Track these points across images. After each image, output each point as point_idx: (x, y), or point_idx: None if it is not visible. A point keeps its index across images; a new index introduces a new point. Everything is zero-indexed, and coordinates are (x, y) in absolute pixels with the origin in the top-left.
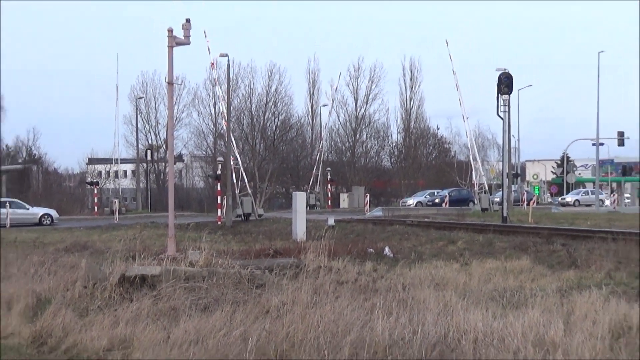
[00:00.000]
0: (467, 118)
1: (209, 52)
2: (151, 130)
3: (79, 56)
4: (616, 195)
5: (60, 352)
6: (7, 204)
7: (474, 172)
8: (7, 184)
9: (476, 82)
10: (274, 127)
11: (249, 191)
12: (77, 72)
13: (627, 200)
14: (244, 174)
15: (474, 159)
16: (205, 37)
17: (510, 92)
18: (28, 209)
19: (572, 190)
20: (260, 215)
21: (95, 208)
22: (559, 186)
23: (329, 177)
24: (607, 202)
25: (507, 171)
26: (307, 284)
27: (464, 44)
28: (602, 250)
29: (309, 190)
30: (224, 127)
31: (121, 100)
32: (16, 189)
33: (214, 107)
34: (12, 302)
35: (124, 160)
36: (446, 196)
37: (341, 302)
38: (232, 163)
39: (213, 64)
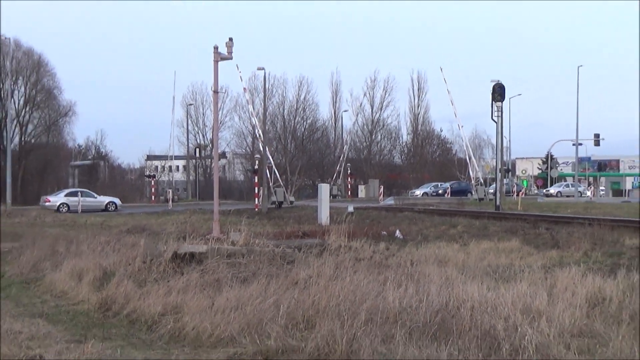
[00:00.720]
0: (462, 127)
1: (241, 80)
2: (199, 131)
3: (140, 69)
4: (593, 187)
5: (122, 316)
6: (79, 193)
7: (470, 169)
8: (79, 177)
9: (474, 90)
10: (302, 129)
11: (281, 183)
12: (138, 82)
13: (602, 192)
14: (275, 169)
15: (469, 158)
16: (238, 69)
17: (503, 100)
18: (96, 197)
19: (555, 183)
20: (291, 202)
21: (153, 197)
22: (544, 180)
23: (349, 171)
24: (589, 193)
25: (499, 167)
26: (330, 261)
27: (464, 59)
28: (580, 234)
29: (332, 183)
30: (259, 130)
31: (175, 107)
32: (86, 181)
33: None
34: (82, 275)
35: (177, 157)
36: (448, 188)
37: (358, 275)
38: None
39: (245, 89)
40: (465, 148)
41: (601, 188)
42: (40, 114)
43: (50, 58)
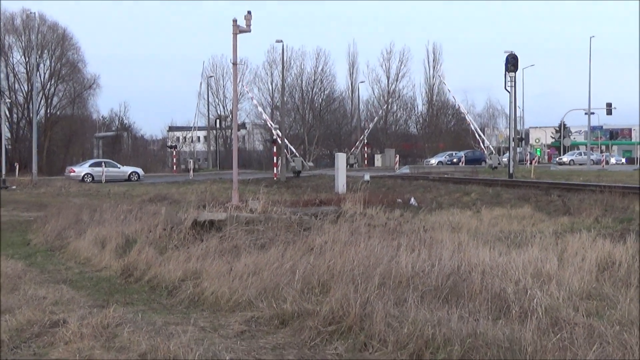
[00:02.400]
0: (468, 113)
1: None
2: (220, 103)
3: (162, 43)
4: (604, 156)
5: (144, 282)
6: (103, 164)
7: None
8: (103, 148)
9: (488, 60)
10: (320, 100)
11: (295, 153)
12: (160, 55)
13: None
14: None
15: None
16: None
17: (516, 70)
18: (119, 167)
19: (568, 151)
20: (310, 167)
21: (174, 167)
22: (557, 149)
23: (365, 140)
24: (613, 160)
25: (513, 136)
26: (345, 227)
27: (478, 30)
28: (591, 200)
29: (349, 153)
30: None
31: (196, 78)
32: (110, 151)
33: (271, 84)
34: (105, 242)
35: (198, 128)
36: (462, 156)
37: (373, 241)
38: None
39: None
40: (474, 131)
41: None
42: (65, 87)
43: (74, 32)
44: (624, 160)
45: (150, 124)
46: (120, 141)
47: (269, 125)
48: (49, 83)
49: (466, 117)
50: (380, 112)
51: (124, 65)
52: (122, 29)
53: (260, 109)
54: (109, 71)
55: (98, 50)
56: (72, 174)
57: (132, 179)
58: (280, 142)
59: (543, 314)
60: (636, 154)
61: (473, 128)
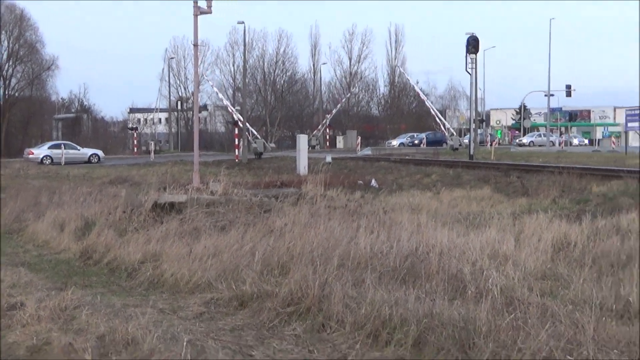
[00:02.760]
0: (428, 95)
1: None
2: (181, 85)
3: (122, 23)
4: (564, 137)
5: (103, 264)
6: (62, 146)
7: (440, 124)
8: (62, 129)
9: (450, 42)
10: (282, 82)
11: (257, 135)
12: (121, 37)
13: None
14: (249, 126)
15: (439, 119)
16: None
17: (477, 52)
18: (79, 149)
19: (528, 133)
20: (272, 149)
21: (135, 149)
22: (517, 130)
23: (327, 122)
24: (576, 141)
25: (474, 117)
26: (305, 209)
27: (440, 12)
28: (549, 182)
29: (311, 134)
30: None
31: (157, 60)
32: (70, 133)
33: (233, 66)
34: (64, 224)
35: (160, 110)
36: (424, 138)
37: (333, 223)
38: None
39: None
40: (434, 114)
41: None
42: (24, 68)
43: (32, 13)
44: (586, 141)
45: (110, 106)
46: (80, 123)
47: (230, 107)
48: (7, 64)
49: (426, 102)
50: (343, 100)
51: (83, 46)
52: (81, 9)
53: (220, 95)
54: (68, 52)
55: (57, 31)
56: (30, 156)
57: (92, 161)
58: (241, 124)
59: (498, 294)
60: (595, 135)
61: (434, 113)
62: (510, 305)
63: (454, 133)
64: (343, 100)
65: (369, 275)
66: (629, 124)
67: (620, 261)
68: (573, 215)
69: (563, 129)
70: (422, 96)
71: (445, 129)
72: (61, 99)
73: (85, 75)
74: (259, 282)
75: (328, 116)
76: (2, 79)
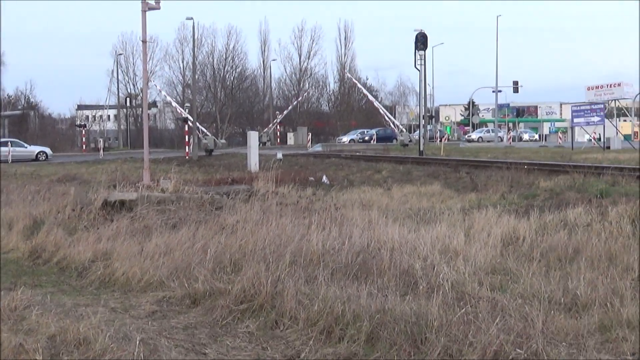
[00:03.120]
0: (378, 91)
1: None
2: (130, 81)
3: (69, 18)
4: (512, 133)
5: (53, 263)
6: (9, 143)
7: (390, 121)
8: (9, 127)
9: (398, 39)
10: (232, 79)
11: (207, 133)
12: (68, 32)
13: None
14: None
15: (389, 117)
16: None
17: (426, 49)
18: (26, 147)
19: (476, 129)
20: (223, 144)
21: (84, 146)
22: (466, 126)
23: (278, 121)
24: (527, 136)
25: (423, 114)
26: (257, 206)
27: (388, 8)
28: (498, 177)
29: (262, 131)
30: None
31: (104, 56)
32: (16, 131)
33: (182, 62)
34: (12, 223)
35: (109, 107)
36: (374, 134)
37: (284, 220)
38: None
39: None
40: (382, 113)
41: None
42: None
43: None
44: (537, 136)
45: (58, 103)
46: (26, 120)
47: (179, 108)
48: None
49: (375, 103)
50: (295, 102)
51: (30, 42)
52: (27, 4)
53: (168, 98)
54: (13, 48)
55: (2, 26)
56: None
57: (40, 158)
58: (191, 122)
59: (449, 289)
60: (542, 130)
61: (382, 112)
62: (461, 300)
63: (404, 130)
64: (295, 102)
65: (322, 271)
66: (575, 120)
67: (567, 255)
68: (521, 210)
69: (511, 124)
70: (371, 97)
71: (394, 126)
72: (7, 95)
73: (31, 72)
74: (212, 279)
75: (279, 115)
76: None
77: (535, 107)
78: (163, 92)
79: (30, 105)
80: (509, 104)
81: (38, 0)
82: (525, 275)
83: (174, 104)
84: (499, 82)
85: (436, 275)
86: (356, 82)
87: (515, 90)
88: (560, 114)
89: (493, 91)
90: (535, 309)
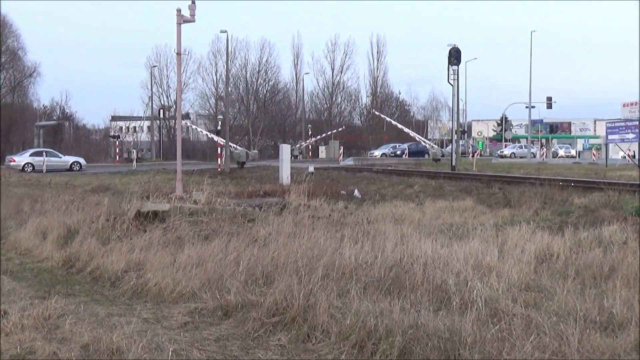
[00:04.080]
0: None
1: None
2: (163, 93)
3: (105, 31)
4: (545, 149)
5: (86, 273)
6: (44, 153)
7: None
8: (44, 137)
9: (432, 53)
10: (264, 91)
11: (236, 147)
12: (103, 44)
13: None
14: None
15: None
16: None
17: (459, 63)
18: (61, 157)
19: (509, 144)
20: (254, 155)
21: (117, 157)
22: (498, 141)
23: (310, 132)
24: (562, 152)
25: (455, 129)
26: (289, 219)
27: (422, 23)
28: (531, 193)
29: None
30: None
31: (139, 68)
32: (51, 141)
33: (216, 74)
34: (46, 233)
35: (142, 118)
36: (406, 149)
37: (316, 233)
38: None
39: None
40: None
41: (553, 150)
42: (5, 75)
43: (14, 19)
44: (573, 151)
45: (92, 113)
46: (61, 130)
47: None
48: None
49: (404, 130)
50: (340, 129)
51: (65, 53)
52: (64, 16)
53: (199, 129)
54: (50, 59)
55: (39, 37)
56: (12, 163)
57: (74, 168)
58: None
59: (483, 305)
60: (575, 147)
61: (412, 135)
62: (494, 316)
63: (434, 145)
64: (340, 129)
65: (354, 285)
66: (610, 137)
67: (603, 273)
68: (555, 226)
69: (544, 140)
70: (400, 126)
71: (425, 140)
72: (43, 106)
73: (67, 82)
74: (244, 291)
75: (318, 137)
76: None
77: (569, 124)
78: (193, 125)
79: (65, 116)
80: (542, 120)
81: (74, 13)
82: (560, 293)
83: (205, 132)
84: (532, 98)
85: (469, 291)
86: (384, 117)
87: (549, 106)
88: (594, 130)
89: (526, 107)
90: (570, 327)
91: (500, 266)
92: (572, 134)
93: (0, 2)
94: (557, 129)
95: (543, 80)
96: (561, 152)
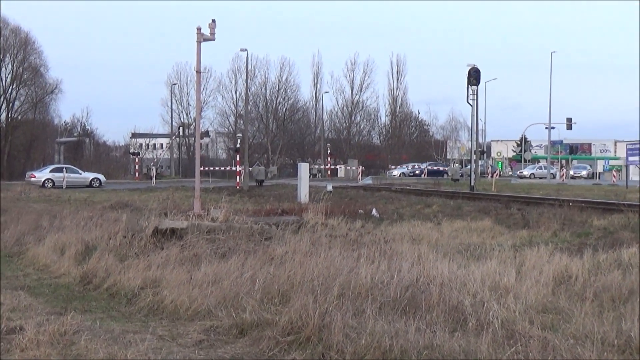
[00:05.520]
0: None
1: None
2: (183, 110)
3: (125, 48)
4: (564, 170)
5: (103, 289)
6: (64, 169)
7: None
8: (64, 153)
9: (451, 73)
10: (284, 110)
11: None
12: (124, 62)
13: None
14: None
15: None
16: None
17: (478, 84)
18: (81, 173)
19: (528, 165)
20: (272, 172)
21: (136, 174)
22: (517, 162)
23: (328, 151)
24: (584, 173)
25: (475, 149)
26: (306, 237)
27: (441, 42)
28: (550, 214)
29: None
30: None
31: (159, 85)
32: (71, 157)
33: (235, 93)
34: (65, 248)
35: (161, 135)
36: (425, 168)
37: (333, 252)
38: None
39: None
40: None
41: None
42: (27, 91)
43: (37, 36)
44: (584, 172)
45: (112, 130)
46: (82, 147)
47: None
48: (10, 87)
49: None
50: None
51: (86, 70)
52: (85, 34)
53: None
54: (71, 76)
55: (60, 54)
56: (32, 179)
57: (94, 185)
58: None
59: (499, 326)
60: (595, 168)
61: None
62: (511, 338)
63: (452, 164)
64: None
65: (370, 305)
66: (630, 158)
67: (621, 296)
68: (574, 248)
69: (564, 161)
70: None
71: (443, 159)
72: (64, 122)
73: (88, 99)
74: (259, 310)
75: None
76: (5, 101)
77: (589, 145)
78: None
79: (85, 133)
80: (562, 141)
81: (96, 31)
82: (578, 315)
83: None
84: (552, 119)
85: (486, 312)
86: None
87: (569, 127)
88: (615, 151)
89: (546, 127)
90: (587, 350)
91: (517, 287)
92: (592, 155)
93: (0, 3)
94: (577, 150)
95: (563, 101)
96: (583, 173)
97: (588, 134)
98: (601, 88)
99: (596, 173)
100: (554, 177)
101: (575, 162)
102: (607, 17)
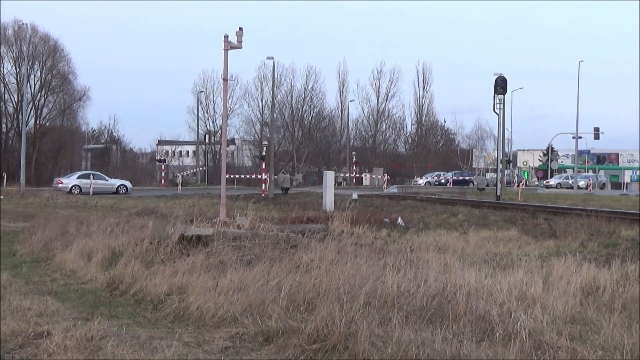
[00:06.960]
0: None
1: None
2: (209, 118)
3: (152, 56)
4: (591, 180)
5: (129, 295)
6: (91, 176)
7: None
8: (91, 160)
9: (477, 82)
10: (310, 118)
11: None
12: (151, 69)
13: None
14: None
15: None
16: None
17: (505, 93)
18: (107, 180)
19: (555, 175)
20: (298, 179)
21: (162, 181)
22: (544, 171)
23: (354, 159)
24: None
25: (501, 158)
26: (332, 245)
27: (468, 52)
28: (577, 224)
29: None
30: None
31: (186, 93)
32: (98, 164)
33: (261, 100)
34: (91, 254)
35: (187, 142)
36: (450, 177)
37: (359, 260)
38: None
39: None
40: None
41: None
42: (55, 98)
43: (65, 44)
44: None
45: (139, 137)
46: (109, 154)
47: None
48: (39, 94)
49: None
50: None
51: (114, 77)
52: (113, 41)
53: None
54: (99, 83)
55: (89, 62)
56: (60, 185)
57: (120, 191)
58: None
59: (527, 337)
60: (623, 179)
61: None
62: (538, 348)
63: (483, 173)
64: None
65: (396, 314)
66: None
67: None
68: (602, 259)
69: (591, 171)
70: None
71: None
72: (91, 129)
73: (115, 106)
74: (285, 317)
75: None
76: (34, 108)
77: (617, 155)
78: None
79: (112, 140)
80: (589, 151)
81: (124, 39)
82: (606, 327)
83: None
84: (579, 128)
85: (513, 322)
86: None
87: (596, 136)
88: None
89: (573, 137)
90: None
91: (544, 298)
92: (619, 165)
93: (0, 3)
94: (604, 160)
95: (590, 110)
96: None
97: (615, 143)
98: (629, 98)
99: (623, 183)
100: (580, 188)
101: (602, 172)
102: (635, 27)
